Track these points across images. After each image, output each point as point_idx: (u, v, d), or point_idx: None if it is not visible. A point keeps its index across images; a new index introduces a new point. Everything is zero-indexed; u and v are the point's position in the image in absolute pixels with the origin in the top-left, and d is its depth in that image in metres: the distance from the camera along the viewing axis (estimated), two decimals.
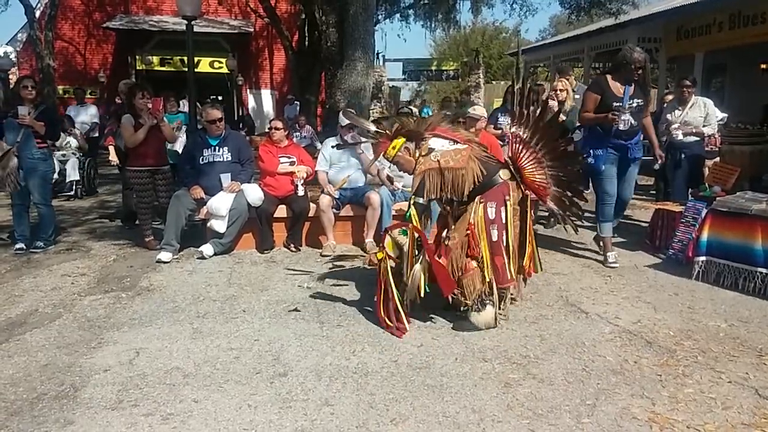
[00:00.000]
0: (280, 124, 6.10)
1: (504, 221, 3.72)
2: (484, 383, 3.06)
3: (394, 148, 3.89)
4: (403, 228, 3.77)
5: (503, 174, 3.83)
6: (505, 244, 3.73)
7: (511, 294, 4.00)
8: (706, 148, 6.86)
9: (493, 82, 25.48)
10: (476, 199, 3.71)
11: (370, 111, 10.53)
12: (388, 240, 3.80)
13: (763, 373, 3.15)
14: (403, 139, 3.89)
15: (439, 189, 3.75)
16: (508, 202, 3.73)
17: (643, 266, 5.19)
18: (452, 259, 3.71)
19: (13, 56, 19.45)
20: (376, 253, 3.85)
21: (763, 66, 12.54)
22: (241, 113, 20.57)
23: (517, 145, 4.00)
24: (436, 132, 3.91)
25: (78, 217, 7.46)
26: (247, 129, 16.27)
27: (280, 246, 5.86)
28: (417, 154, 3.85)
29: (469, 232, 3.70)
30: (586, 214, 5.53)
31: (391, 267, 3.71)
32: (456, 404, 2.85)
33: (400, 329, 3.67)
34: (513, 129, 4.04)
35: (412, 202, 3.79)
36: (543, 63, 17.87)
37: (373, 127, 4.18)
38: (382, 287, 3.73)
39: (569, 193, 4.04)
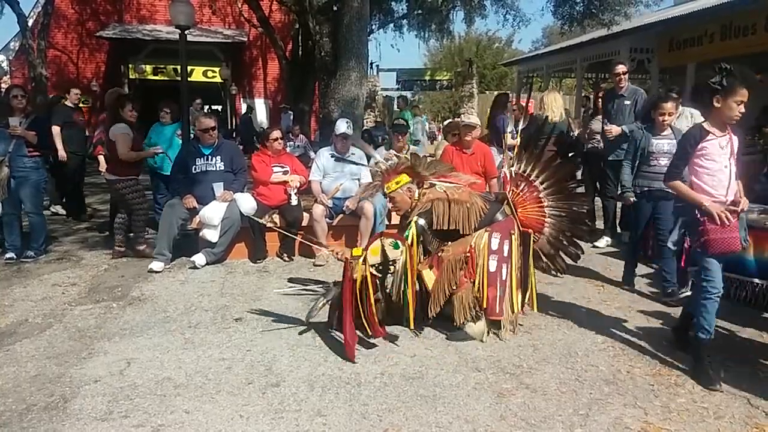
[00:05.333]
0: (279, 135, 6.10)
1: (506, 255, 3.72)
2: (477, 393, 3.05)
3: (397, 183, 3.83)
4: (396, 241, 3.72)
5: (506, 210, 3.86)
6: (504, 277, 3.72)
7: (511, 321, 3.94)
8: None
9: (487, 92, 25.58)
10: (483, 229, 3.72)
11: (364, 120, 10.56)
12: (376, 245, 3.71)
13: (755, 382, 3.16)
14: (408, 179, 3.84)
15: (446, 218, 3.69)
16: (513, 236, 3.75)
17: (636, 276, 5.19)
18: (444, 270, 3.69)
19: (5, 65, 19.45)
20: (352, 251, 3.75)
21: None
22: (235, 123, 20.57)
23: (517, 183, 4.03)
24: (440, 178, 3.90)
25: (69, 226, 7.42)
26: (240, 138, 16.27)
27: (272, 256, 5.84)
28: (417, 195, 3.83)
29: (469, 254, 3.68)
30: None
31: (371, 274, 3.58)
32: (449, 414, 2.84)
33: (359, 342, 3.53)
34: (513, 166, 4.06)
35: (414, 221, 3.71)
36: (536, 73, 17.99)
37: (380, 158, 4.15)
38: (358, 294, 3.52)
39: (569, 233, 4.06)
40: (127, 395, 3.01)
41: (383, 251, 3.68)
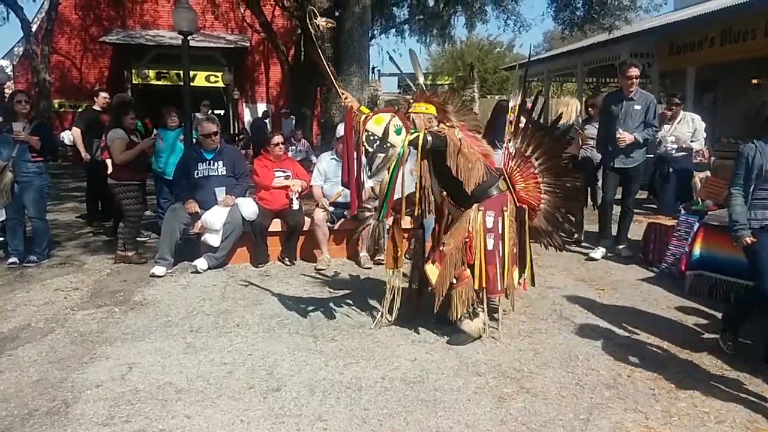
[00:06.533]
0: (280, 140, 6.12)
1: (501, 231, 3.73)
2: (477, 398, 3.05)
3: (426, 108, 3.74)
4: (401, 127, 3.49)
5: (501, 185, 3.84)
6: (500, 254, 3.73)
7: (503, 307, 3.98)
8: (694, 161, 6.94)
9: (488, 97, 25.58)
10: (475, 207, 3.70)
11: None
12: (383, 117, 3.48)
13: (756, 386, 3.16)
14: (434, 112, 3.75)
15: (454, 161, 3.59)
16: (505, 213, 3.74)
17: (636, 280, 5.20)
18: (447, 265, 3.68)
19: (9, 70, 19.51)
20: (360, 106, 3.65)
21: (754, 81, 12.66)
22: (238, 128, 20.61)
23: (515, 159, 4.02)
24: (463, 130, 3.81)
25: (72, 230, 7.44)
26: (243, 143, 16.29)
27: (274, 260, 5.85)
28: (436, 126, 3.73)
29: (468, 239, 3.67)
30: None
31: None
32: (449, 419, 2.84)
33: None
34: (510, 143, 4.05)
35: (424, 132, 3.54)
36: (537, 78, 18.01)
37: (422, 80, 3.98)
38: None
39: (564, 210, 4.06)
40: (129, 400, 3.02)
41: (386, 128, 3.44)
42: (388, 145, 3.45)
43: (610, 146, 5.79)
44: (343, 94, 3.70)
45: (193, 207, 5.53)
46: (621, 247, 5.99)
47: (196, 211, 5.52)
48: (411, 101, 3.83)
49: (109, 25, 20.85)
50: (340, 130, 5.95)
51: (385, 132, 3.44)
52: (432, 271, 3.72)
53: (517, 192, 3.96)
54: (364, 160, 3.53)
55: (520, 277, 3.97)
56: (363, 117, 3.51)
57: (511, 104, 4.22)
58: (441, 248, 3.73)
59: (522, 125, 4.09)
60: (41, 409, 2.94)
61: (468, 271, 3.70)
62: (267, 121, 17.77)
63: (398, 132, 3.46)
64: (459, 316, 3.71)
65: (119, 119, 5.89)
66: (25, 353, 3.63)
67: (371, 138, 3.46)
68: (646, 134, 5.70)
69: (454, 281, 3.70)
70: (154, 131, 6.77)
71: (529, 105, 4.25)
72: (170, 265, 5.46)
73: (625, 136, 5.60)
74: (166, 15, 19.58)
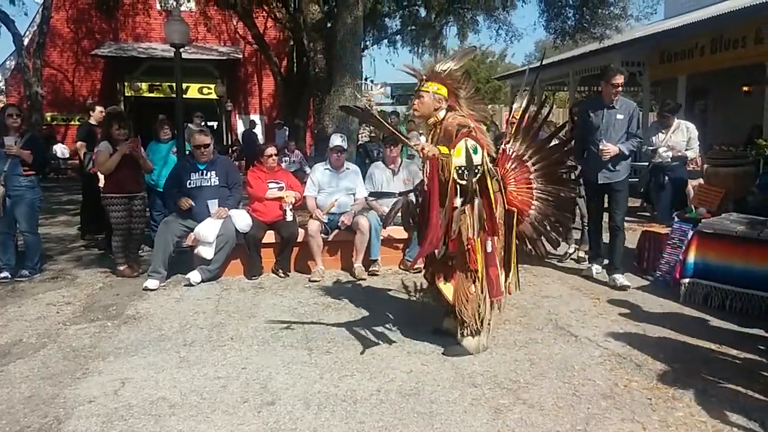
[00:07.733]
0: (273, 151, 6.11)
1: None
2: (474, 409, 3.03)
3: (437, 89, 3.65)
4: (477, 146, 3.48)
5: (494, 186, 3.81)
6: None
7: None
8: (688, 168, 6.97)
9: None
10: (468, 212, 3.66)
11: (359, 135, 10.61)
12: (460, 145, 3.45)
13: (753, 394, 3.16)
14: (445, 94, 3.67)
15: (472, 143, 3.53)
16: (495, 214, 3.73)
17: (631, 288, 5.20)
18: (460, 280, 3.65)
19: (1, 84, 19.47)
20: (440, 148, 3.50)
21: (745, 89, 12.78)
22: (231, 139, 20.61)
23: (511, 162, 4.00)
24: (471, 120, 3.71)
25: (65, 244, 7.40)
26: (236, 154, 16.29)
27: (268, 272, 5.82)
28: (442, 116, 3.68)
29: (469, 247, 3.63)
30: None
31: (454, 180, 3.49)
32: (446, 431, 2.82)
33: None
34: (508, 144, 4.02)
35: (466, 141, 3.48)
36: (527, 87, 18.11)
37: (452, 66, 3.80)
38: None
39: (553, 219, 4.04)
40: (122, 416, 2.99)
41: (468, 155, 3.44)
42: (474, 167, 3.48)
43: (591, 161, 5.31)
44: (416, 145, 3.61)
45: (185, 203, 5.49)
46: (617, 276, 5.33)
47: (189, 206, 5.49)
48: (424, 78, 3.73)
49: (102, 38, 20.86)
50: (334, 140, 5.97)
51: (468, 159, 3.45)
52: (447, 288, 3.67)
53: (508, 195, 3.93)
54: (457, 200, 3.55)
55: (505, 281, 3.94)
56: (449, 158, 3.47)
57: (515, 106, 4.18)
58: (451, 263, 3.66)
59: (523, 128, 4.04)
60: (33, 425, 2.90)
61: (473, 287, 3.66)
62: (255, 131, 17.80)
63: (475, 151, 3.48)
64: (462, 332, 3.68)
65: (107, 131, 5.86)
66: (17, 369, 3.59)
67: (460, 171, 3.49)
68: (630, 146, 5.26)
69: (464, 299, 3.64)
70: (137, 137, 6.64)
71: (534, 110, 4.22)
72: (163, 279, 5.43)
73: (609, 148, 5.14)
74: (159, 28, 19.58)
